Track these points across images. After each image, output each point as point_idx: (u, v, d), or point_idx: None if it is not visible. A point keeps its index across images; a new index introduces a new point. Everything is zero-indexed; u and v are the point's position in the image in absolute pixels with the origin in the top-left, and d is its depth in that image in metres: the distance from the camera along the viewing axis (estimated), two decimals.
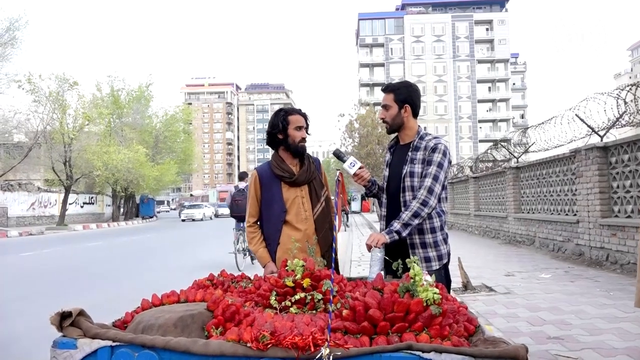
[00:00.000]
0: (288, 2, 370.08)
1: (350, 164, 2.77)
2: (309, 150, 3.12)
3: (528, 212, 11.29)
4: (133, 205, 40.57)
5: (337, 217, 1.79)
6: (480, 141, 71.03)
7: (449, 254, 2.90)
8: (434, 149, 2.72)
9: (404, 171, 2.77)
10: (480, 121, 74.05)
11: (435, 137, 2.82)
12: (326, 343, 1.38)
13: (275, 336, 1.42)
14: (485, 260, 8.87)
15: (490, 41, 75.23)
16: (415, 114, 2.87)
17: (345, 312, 1.60)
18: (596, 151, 7.84)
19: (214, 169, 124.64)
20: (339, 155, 2.88)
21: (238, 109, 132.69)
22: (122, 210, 37.96)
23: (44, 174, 32.22)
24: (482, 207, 15.26)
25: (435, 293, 1.61)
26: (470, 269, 6.96)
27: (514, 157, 12.50)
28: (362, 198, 46.69)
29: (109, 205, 38.46)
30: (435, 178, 2.66)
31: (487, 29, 75.24)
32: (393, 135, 3.04)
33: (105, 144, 31.35)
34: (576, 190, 8.67)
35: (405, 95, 2.82)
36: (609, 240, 7.52)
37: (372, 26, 75.51)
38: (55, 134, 27.42)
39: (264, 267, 3.04)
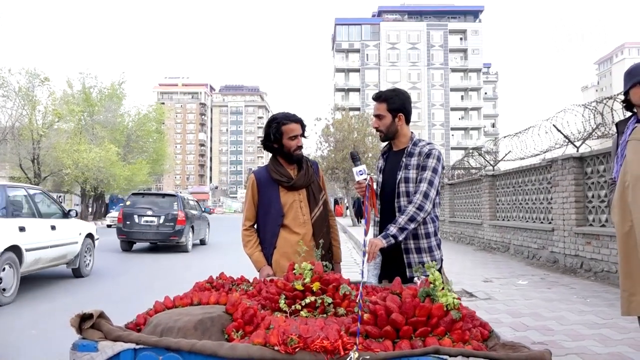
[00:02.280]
0: (264, 4, 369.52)
1: (359, 171, 2.73)
2: None
3: (503, 220, 11.50)
4: (102, 205, 39.73)
5: (366, 221, 1.78)
6: (452, 148, 72.18)
7: (441, 260, 2.94)
8: (428, 155, 2.75)
9: (399, 177, 2.78)
10: (452, 129, 75.30)
11: (429, 143, 2.85)
12: (355, 347, 1.38)
13: (302, 339, 1.41)
14: (463, 267, 9.00)
15: (464, 50, 76.65)
16: (407, 121, 2.89)
17: (366, 316, 1.60)
18: (572, 161, 8.05)
19: (185, 170, 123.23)
20: (354, 158, 2.85)
21: (212, 110, 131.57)
22: (90, 209, 37.12)
23: (10, 172, 31.31)
24: (457, 214, 15.48)
25: (454, 298, 1.63)
26: (449, 274, 6.96)
27: (490, 165, 12.73)
28: (335, 202, 46.67)
29: (77, 205, 37.53)
30: (431, 183, 2.69)
31: (461, 39, 76.65)
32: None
33: (75, 142, 30.64)
34: (552, 198, 8.89)
35: (399, 104, 2.82)
36: (584, 249, 7.72)
37: (348, 31, 76.09)
38: (24, 130, 26.71)
39: (258, 270, 3.03)
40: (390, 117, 2.80)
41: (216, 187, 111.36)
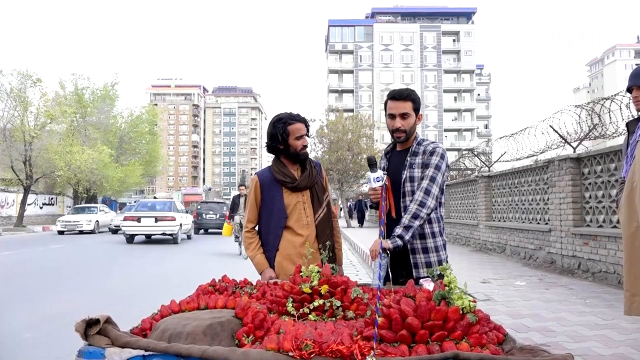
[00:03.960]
0: (257, 5, 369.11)
1: (377, 178, 2.61)
2: None
3: (499, 221, 11.50)
4: None
5: (382, 222, 1.74)
6: (446, 149, 72.35)
7: (447, 260, 2.90)
8: (432, 153, 2.72)
9: (404, 177, 2.74)
10: (445, 130, 75.43)
11: (433, 142, 2.82)
12: (372, 352, 1.34)
13: (317, 344, 1.36)
14: (460, 268, 8.97)
15: (457, 52, 76.86)
16: None
17: (379, 319, 1.56)
18: (569, 162, 8.05)
19: (178, 171, 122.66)
20: (372, 163, 2.75)
21: (205, 111, 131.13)
22: None
23: (2, 173, 31.00)
24: (452, 215, 15.48)
25: (470, 301, 1.58)
26: None
27: (486, 165, 12.73)
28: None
29: (69, 207, 37.23)
30: (433, 179, 2.65)
31: (454, 40, 76.86)
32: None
33: (68, 144, 30.40)
34: (548, 199, 8.88)
35: (419, 105, 2.82)
36: (581, 249, 7.72)
37: (341, 33, 76.06)
38: (16, 131, 26.43)
39: (260, 273, 2.97)
40: (414, 116, 2.77)
41: (209, 189, 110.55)
